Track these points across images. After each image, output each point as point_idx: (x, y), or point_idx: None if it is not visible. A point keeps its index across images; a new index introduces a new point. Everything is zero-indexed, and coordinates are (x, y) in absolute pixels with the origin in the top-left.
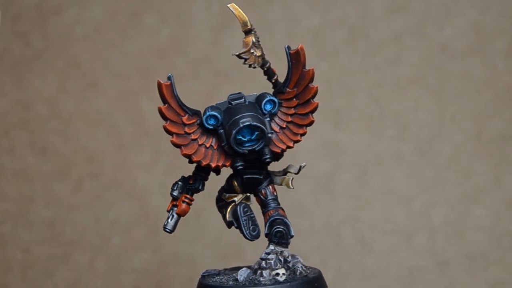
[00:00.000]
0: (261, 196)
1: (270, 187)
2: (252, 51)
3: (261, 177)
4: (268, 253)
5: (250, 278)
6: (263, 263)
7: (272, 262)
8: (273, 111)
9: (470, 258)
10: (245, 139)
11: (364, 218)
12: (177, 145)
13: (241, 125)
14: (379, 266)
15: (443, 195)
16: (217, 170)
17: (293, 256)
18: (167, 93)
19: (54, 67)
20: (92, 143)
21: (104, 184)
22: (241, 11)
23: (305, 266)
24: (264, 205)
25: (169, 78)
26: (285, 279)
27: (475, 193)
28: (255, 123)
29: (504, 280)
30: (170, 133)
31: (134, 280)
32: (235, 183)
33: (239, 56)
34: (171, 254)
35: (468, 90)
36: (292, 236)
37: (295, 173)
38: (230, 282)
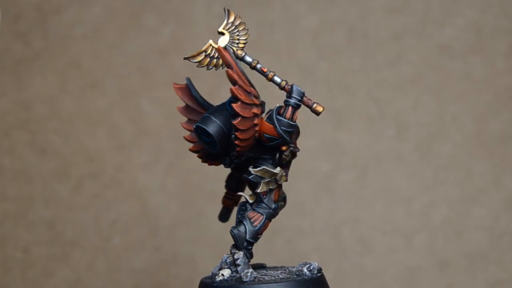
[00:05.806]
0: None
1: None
2: (207, 53)
3: (248, 177)
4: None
5: (213, 272)
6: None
7: (220, 261)
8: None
9: (470, 258)
10: (209, 140)
11: (364, 218)
12: (190, 141)
13: (194, 126)
14: (379, 266)
15: (443, 195)
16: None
17: (304, 264)
18: (181, 94)
19: (54, 67)
20: (92, 143)
21: (104, 184)
22: (229, 15)
23: (307, 274)
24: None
25: (186, 80)
26: (224, 279)
27: (475, 193)
28: (198, 125)
29: (504, 280)
30: (188, 130)
31: (134, 280)
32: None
33: (187, 59)
34: (171, 254)
35: (468, 90)
36: (248, 242)
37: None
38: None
